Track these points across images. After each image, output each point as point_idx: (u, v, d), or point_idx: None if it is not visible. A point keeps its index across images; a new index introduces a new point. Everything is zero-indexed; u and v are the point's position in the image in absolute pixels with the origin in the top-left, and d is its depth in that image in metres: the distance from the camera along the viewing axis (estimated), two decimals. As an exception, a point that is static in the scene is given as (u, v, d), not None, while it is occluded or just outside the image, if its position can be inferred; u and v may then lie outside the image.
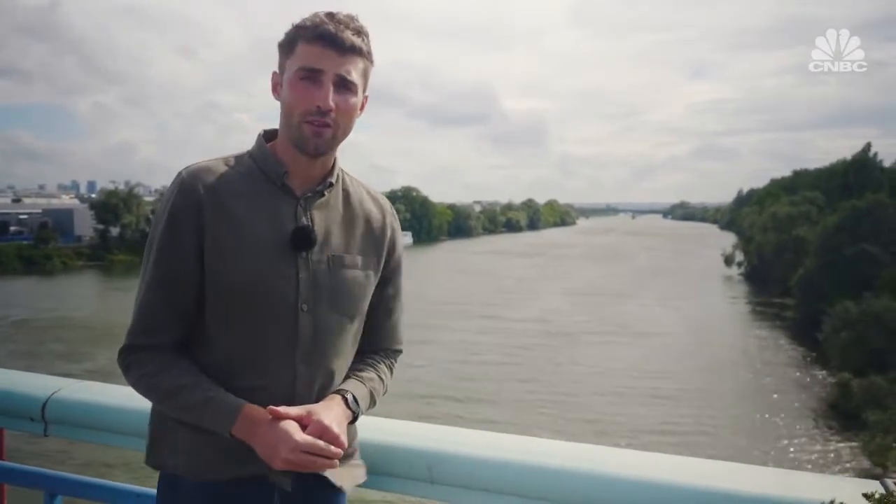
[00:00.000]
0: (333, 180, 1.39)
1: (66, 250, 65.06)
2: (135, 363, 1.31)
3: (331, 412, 1.29)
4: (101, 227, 68.76)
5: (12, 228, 67.66)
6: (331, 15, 1.31)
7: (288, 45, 1.32)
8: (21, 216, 71.12)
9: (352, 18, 1.32)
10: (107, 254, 66.10)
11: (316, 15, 1.31)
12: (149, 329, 1.31)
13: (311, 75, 1.28)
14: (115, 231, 68.57)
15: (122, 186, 71.86)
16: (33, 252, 62.33)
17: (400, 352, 1.53)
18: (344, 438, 1.26)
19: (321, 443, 1.22)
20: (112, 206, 68.16)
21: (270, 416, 1.24)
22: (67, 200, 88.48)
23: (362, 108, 1.38)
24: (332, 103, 1.28)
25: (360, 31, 1.32)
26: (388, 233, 1.46)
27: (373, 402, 1.42)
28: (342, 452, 1.25)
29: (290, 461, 1.21)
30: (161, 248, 1.30)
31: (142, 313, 1.31)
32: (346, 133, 1.34)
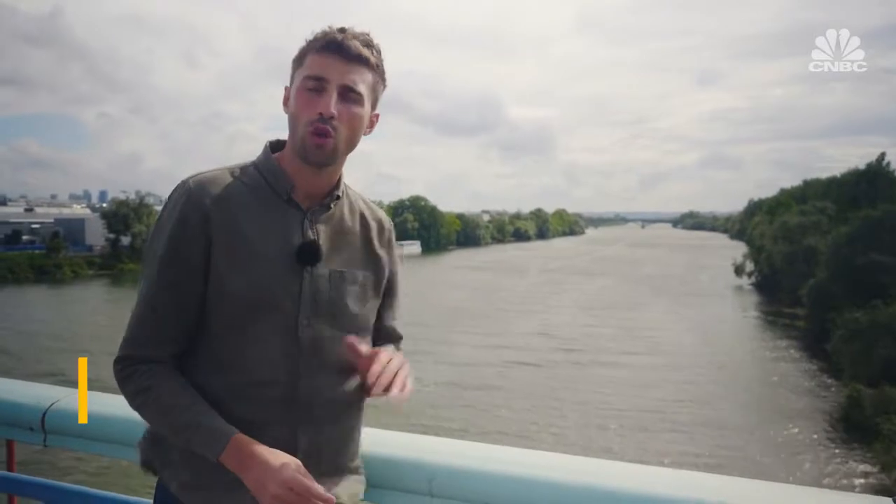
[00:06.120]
0: (340, 194, 1.38)
1: (77, 259, 65.64)
2: (131, 375, 1.28)
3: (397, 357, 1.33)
4: (111, 236, 69.32)
5: (25, 237, 68.40)
6: (343, 29, 1.31)
7: (299, 59, 1.32)
8: (33, 225, 71.92)
9: (364, 34, 1.32)
10: (117, 263, 66.53)
11: (329, 28, 1.31)
12: (148, 341, 1.28)
13: (316, 84, 1.27)
14: (125, 240, 69.07)
15: (132, 196, 72.49)
16: (45, 261, 62.88)
17: (401, 338, 1.54)
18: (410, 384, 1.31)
19: (314, 487, 1.14)
20: (122, 215, 68.81)
21: (264, 453, 1.19)
22: (79, 210, 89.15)
23: (372, 125, 1.36)
24: (333, 110, 1.26)
25: (369, 44, 1.31)
26: (389, 248, 1.46)
27: None
28: (333, 501, 1.16)
29: (279, 497, 1.13)
30: (165, 259, 1.28)
31: (141, 324, 1.29)
32: (350, 145, 1.32)
